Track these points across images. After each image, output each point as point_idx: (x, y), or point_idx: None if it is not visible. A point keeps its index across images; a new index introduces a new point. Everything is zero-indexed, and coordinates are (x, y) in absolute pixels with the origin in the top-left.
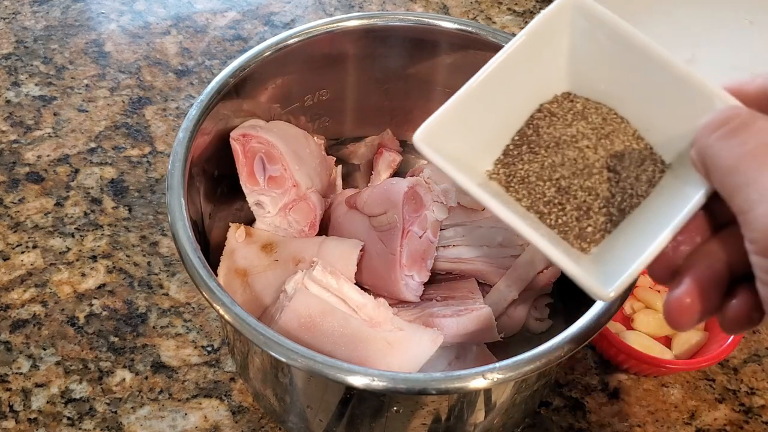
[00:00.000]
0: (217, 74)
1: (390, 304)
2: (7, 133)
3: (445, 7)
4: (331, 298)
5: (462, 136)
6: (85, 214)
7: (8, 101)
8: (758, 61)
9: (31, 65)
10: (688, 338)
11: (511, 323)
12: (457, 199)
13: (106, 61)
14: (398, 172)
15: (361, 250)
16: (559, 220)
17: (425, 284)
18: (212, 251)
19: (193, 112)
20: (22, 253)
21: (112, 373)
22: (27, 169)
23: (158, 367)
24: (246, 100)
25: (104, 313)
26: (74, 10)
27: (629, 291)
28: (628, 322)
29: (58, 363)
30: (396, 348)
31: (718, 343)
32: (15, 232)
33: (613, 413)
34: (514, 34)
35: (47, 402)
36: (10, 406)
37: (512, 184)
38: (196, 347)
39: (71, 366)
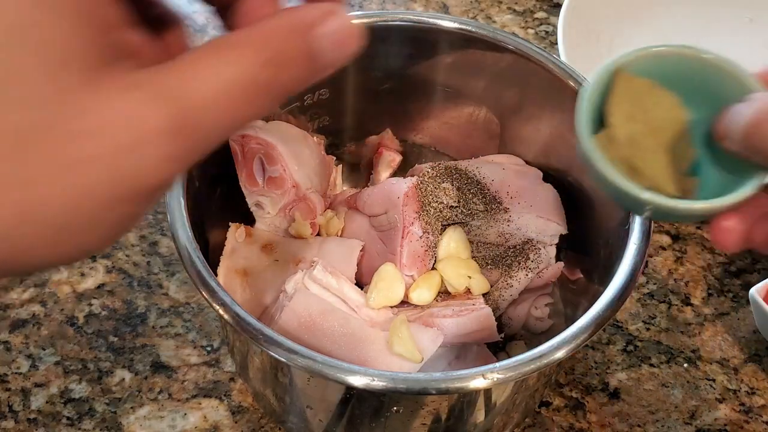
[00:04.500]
0: None
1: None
2: None
3: (445, 6)
4: (331, 298)
5: None
6: None
7: None
8: (757, 57)
9: None
10: None
11: (511, 323)
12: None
13: None
14: (398, 172)
15: (361, 250)
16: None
17: None
18: (212, 251)
19: None
20: None
21: (112, 373)
22: None
23: (158, 367)
24: None
25: (103, 312)
26: None
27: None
28: None
29: (57, 363)
30: None
31: None
32: None
33: (614, 413)
34: (514, 34)
35: (46, 402)
36: (10, 406)
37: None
38: (195, 347)
39: (70, 366)
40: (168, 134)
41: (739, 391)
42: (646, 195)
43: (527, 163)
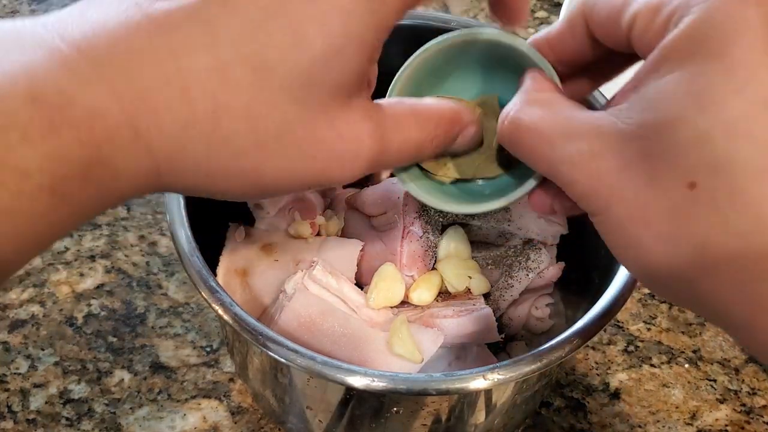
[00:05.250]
0: None
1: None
2: None
3: (445, 5)
4: (331, 298)
5: None
6: None
7: None
8: None
9: None
10: None
11: (511, 323)
12: None
13: None
14: None
15: (361, 250)
16: None
17: None
18: (212, 251)
19: None
20: None
21: (111, 373)
22: None
23: (157, 367)
24: None
25: (103, 313)
26: None
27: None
28: None
29: (56, 363)
30: None
31: None
32: None
33: (614, 414)
34: (514, 32)
35: (46, 402)
36: (9, 407)
37: None
38: (195, 347)
39: (70, 366)
40: (367, 161)
41: (740, 391)
42: (440, 204)
43: None
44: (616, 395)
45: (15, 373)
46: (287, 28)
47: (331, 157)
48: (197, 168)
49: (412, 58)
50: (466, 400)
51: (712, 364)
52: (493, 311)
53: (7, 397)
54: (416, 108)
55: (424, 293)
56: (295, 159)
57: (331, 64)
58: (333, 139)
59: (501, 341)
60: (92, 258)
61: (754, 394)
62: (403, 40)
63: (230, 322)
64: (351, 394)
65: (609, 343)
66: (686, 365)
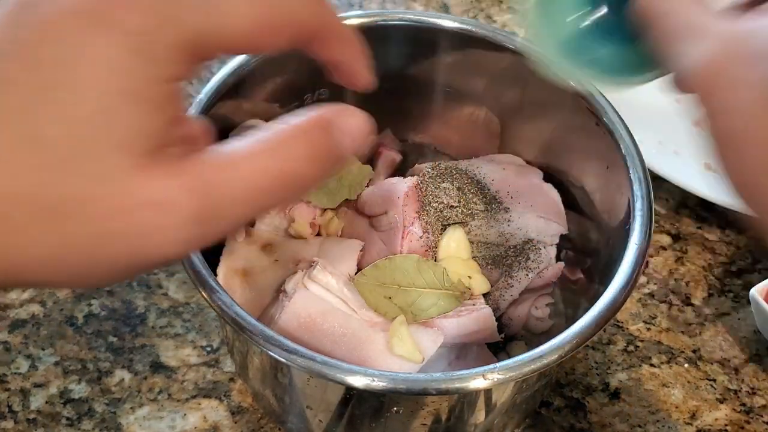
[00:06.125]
0: (216, 73)
1: None
2: None
3: (445, 5)
4: (331, 298)
5: None
6: None
7: None
8: None
9: None
10: None
11: (511, 323)
12: None
13: None
14: (398, 172)
15: (361, 250)
16: None
17: None
18: (212, 251)
19: (192, 112)
20: None
21: (111, 373)
22: None
23: (157, 367)
24: (245, 99)
25: (103, 313)
26: None
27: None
28: None
29: (56, 363)
30: None
31: None
32: None
33: (614, 413)
34: (514, 33)
35: (46, 402)
36: (9, 407)
37: None
38: (195, 347)
39: (70, 366)
40: (193, 221)
41: (739, 391)
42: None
43: (527, 162)
44: (615, 395)
45: (15, 373)
46: (63, 98)
47: (131, 230)
48: None
49: None
50: (466, 399)
51: (711, 363)
52: (493, 311)
53: (8, 397)
54: (252, 140)
55: None
56: (86, 239)
57: (109, 123)
58: (130, 209)
59: (501, 341)
60: None
61: (754, 393)
62: (402, 41)
63: (230, 321)
64: (351, 393)
65: (609, 343)
66: (686, 365)
